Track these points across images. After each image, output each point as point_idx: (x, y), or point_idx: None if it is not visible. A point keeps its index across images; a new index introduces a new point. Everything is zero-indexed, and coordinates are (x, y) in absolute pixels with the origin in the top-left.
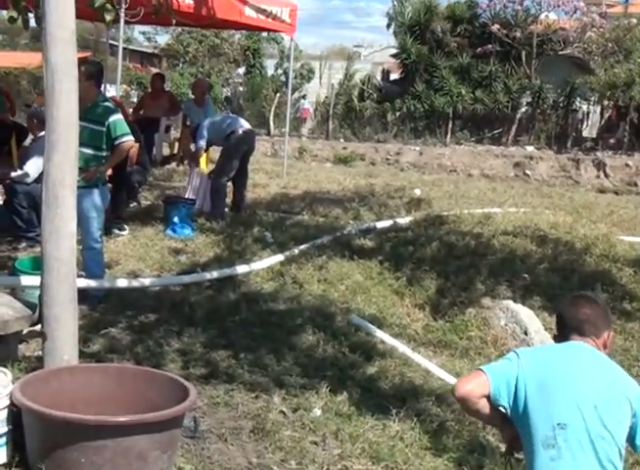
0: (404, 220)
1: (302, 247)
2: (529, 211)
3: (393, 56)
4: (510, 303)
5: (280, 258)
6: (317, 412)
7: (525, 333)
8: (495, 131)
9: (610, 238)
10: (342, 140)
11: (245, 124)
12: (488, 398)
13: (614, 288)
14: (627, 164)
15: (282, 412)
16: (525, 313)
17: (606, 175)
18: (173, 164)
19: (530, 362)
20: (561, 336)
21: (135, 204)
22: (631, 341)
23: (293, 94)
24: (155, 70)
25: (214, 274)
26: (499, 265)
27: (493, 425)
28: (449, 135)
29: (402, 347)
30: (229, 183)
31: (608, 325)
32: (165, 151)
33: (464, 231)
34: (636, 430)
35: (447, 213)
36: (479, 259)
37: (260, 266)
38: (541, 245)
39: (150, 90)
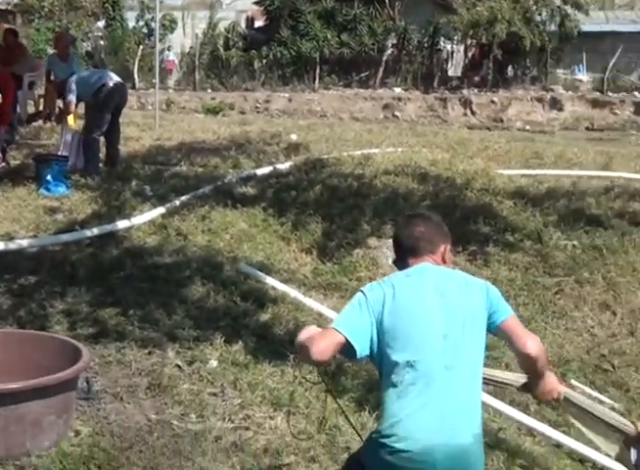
0: (284, 166)
1: (183, 198)
2: (407, 150)
3: (256, 3)
4: None
5: (161, 210)
6: (213, 363)
7: None
8: (363, 74)
9: (488, 172)
10: (209, 90)
11: (115, 77)
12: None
13: (496, 220)
14: (492, 101)
15: (177, 366)
16: None
17: (472, 113)
18: (40, 122)
19: (378, 302)
20: (400, 259)
21: (4, 164)
22: (515, 271)
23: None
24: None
25: (94, 231)
26: (383, 205)
27: None
28: (317, 80)
29: (293, 292)
30: (101, 138)
31: (443, 240)
32: (30, 108)
33: (345, 173)
34: (492, 317)
35: (327, 157)
36: (362, 200)
37: (142, 220)
38: (422, 182)
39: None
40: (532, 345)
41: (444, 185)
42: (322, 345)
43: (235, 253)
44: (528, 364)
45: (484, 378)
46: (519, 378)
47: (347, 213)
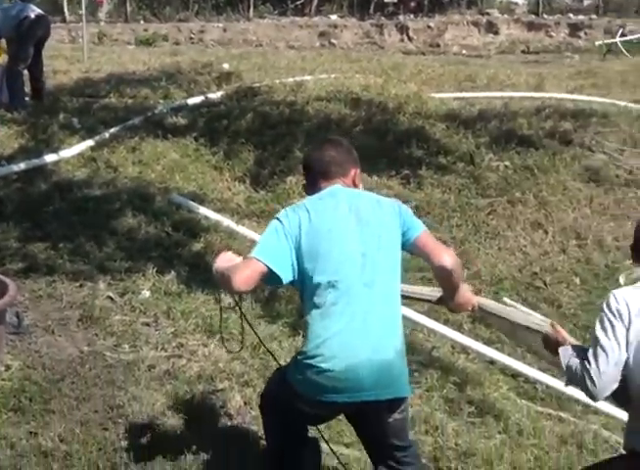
0: (216, 95)
1: (113, 130)
2: (340, 76)
3: None
4: None
5: (90, 143)
6: (146, 294)
7: None
8: (298, 2)
9: (421, 96)
10: (142, 22)
11: (36, 9)
12: None
13: (428, 144)
14: (429, 26)
15: (109, 298)
16: None
17: (409, 38)
18: None
19: (294, 227)
20: (311, 184)
21: None
22: (448, 193)
23: None
24: None
25: (22, 166)
26: (315, 131)
27: None
28: (252, 9)
29: (226, 220)
30: (25, 72)
31: (353, 164)
32: None
33: (277, 100)
34: (406, 234)
35: (259, 85)
36: (294, 127)
37: (70, 154)
38: (355, 108)
39: None
40: (447, 258)
41: (377, 110)
42: (244, 275)
43: (167, 184)
44: (444, 277)
45: (403, 294)
46: (434, 292)
47: (280, 141)
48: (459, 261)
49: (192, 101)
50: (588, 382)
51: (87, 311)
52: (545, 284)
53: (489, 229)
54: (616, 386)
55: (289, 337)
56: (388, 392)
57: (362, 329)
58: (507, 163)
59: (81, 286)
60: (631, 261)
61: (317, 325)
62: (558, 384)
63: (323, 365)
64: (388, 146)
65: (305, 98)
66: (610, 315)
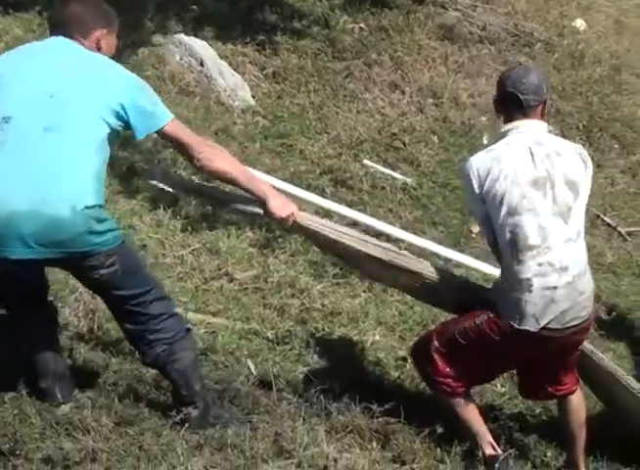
0: None
1: None
2: None
3: None
4: (182, 36)
5: None
6: None
7: (202, 64)
8: None
9: None
10: None
11: None
12: None
13: (282, 8)
14: None
15: None
16: (200, 45)
17: None
18: None
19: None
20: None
21: None
22: (305, 58)
23: None
24: None
25: None
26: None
27: None
28: None
29: None
30: None
31: (101, 24)
32: None
33: None
34: (130, 119)
35: None
36: None
37: None
38: None
39: None
40: (209, 159)
41: None
42: None
43: None
44: (216, 178)
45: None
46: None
47: (128, 12)
48: (230, 160)
49: None
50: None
51: None
52: (404, 144)
53: (347, 92)
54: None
55: (150, 211)
56: (61, 250)
57: (27, 177)
58: (362, 24)
59: None
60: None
61: None
62: (420, 241)
63: None
64: (240, 12)
65: None
66: (465, 184)
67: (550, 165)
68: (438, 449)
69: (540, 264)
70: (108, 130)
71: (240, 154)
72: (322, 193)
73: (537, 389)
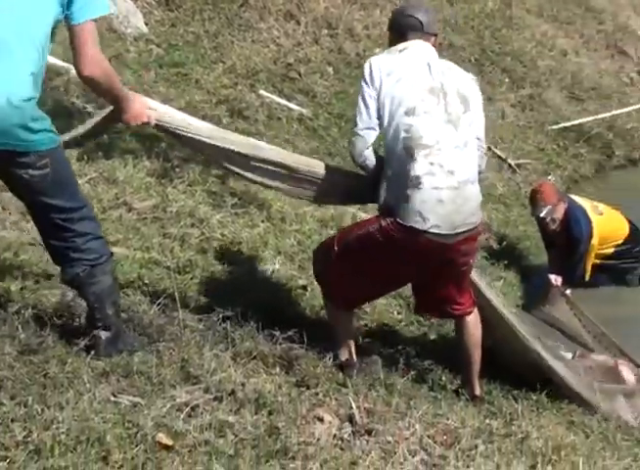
0: None
1: None
2: None
3: None
4: None
5: None
6: None
7: None
8: None
9: None
10: None
11: None
12: None
13: None
14: None
15: None
16: None
17: None
18: None
19: None
20: None
21: None
22: None
23: None
24: None
25: None
26: None
27: None
28: None
29: None
30: None
31: None
32: None
33: None
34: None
35: None
36: None
37: None
38: None
39: None
40: (88, 66)
41: None
42: None
43: None
44: (90, 86)
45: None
46: (103, 112)
47: None
48: (106, 69)
49: None
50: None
51: None
52: (300, 75)
53: (242, 22)
54: (368, 146)
55: None
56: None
57: None
58: None
59: None
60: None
61: None
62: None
63: None
64: None
65: None
66: (362, 83)
67: (444, 79)
68: (340, 374)
69: (432, 164)
70: (51, 22)
71: (134, 83)
72: (218, 123)
73: (432, 305)
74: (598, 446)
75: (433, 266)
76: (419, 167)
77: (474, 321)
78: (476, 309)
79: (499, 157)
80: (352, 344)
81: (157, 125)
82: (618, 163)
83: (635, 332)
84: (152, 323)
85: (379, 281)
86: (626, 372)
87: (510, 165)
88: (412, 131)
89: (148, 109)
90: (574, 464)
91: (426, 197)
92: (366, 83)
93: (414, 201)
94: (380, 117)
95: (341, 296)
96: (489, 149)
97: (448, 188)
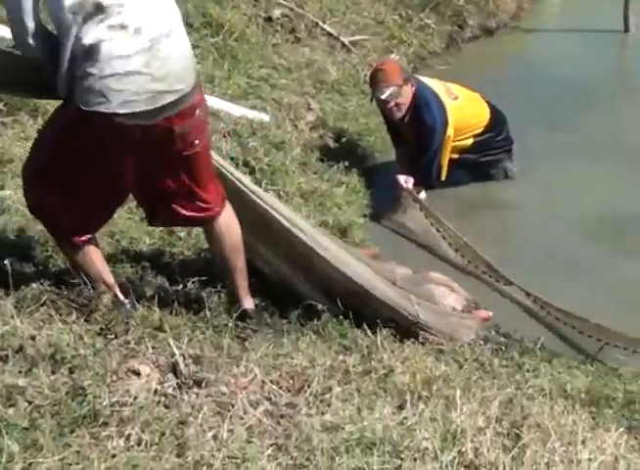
0: None
1: None
2: None
3: None
4: None
5: None
6: None
7: None
8: None
9: None
10: None
11: None
12: None
13: None
14: None
15: None
16: None
17: None
18: None
19: None
20: None
21: None
22: None
23: None
24: None
25: None
26: None
27: None
28: None
29: None
30: None
31: None
32: None
33: None
34: None
35: None
36: None
37: None
38: None
39: None
40: None
41: None
42: None
43: None
44: None
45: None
46: None
47: None
48: None
49: None
50: None
51: None
52: None
53: None
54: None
55: None
56: None
57: None
58: None
59: None
60: None
61: None
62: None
63: None
64: None
65: None
66: None
67: None
68: (156, 315)
69: (111, 27)
70: None
71: None
72: None
73: (168, 211)
74: (474, 376)
75: (147, 159)
76: (93, 35)
77: (226, 221)
78: (228, 206)
79: (329, 34)
80: (111, 278)
81: None
82: (472, 34)
83: (505, 241)
84: None
85: (94, 193)
86: (454, 299)
87: (343, 44)
88: None
89: None
90: (450, 399)
91: (107, 70)
92: None
93: (93, 78)
94: None
95: (65, 226)
96: (317, 25)
97: (137, 52)
